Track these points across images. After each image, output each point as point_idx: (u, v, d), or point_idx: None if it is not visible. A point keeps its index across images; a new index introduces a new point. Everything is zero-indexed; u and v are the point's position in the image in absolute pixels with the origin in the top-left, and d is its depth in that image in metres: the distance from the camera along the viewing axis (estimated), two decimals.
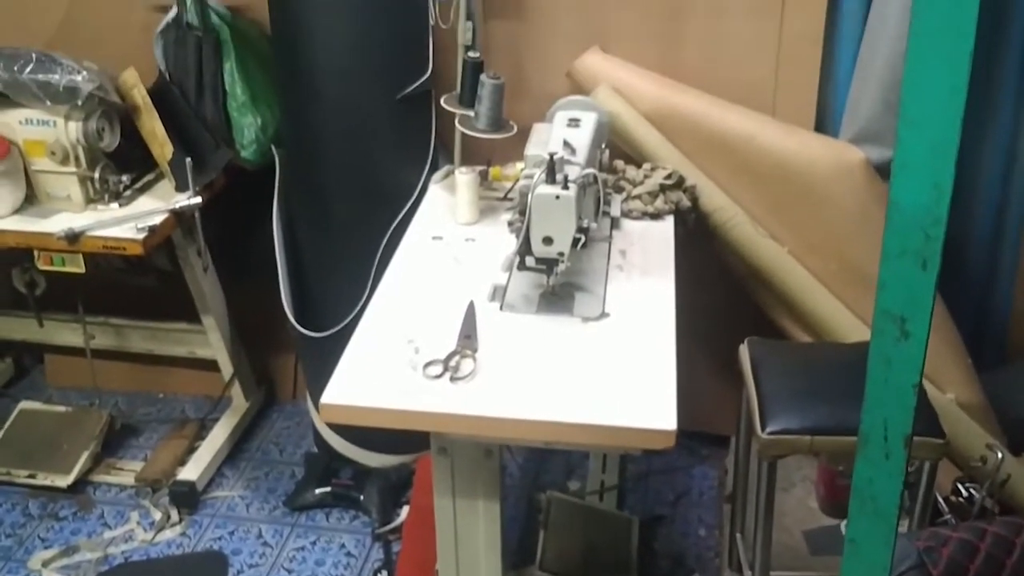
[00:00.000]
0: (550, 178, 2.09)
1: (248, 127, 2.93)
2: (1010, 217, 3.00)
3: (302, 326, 3.00)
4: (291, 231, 3.03)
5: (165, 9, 2.99)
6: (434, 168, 2.89)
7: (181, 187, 2.81)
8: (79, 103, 2.68)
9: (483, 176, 2.75)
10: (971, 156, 2.94)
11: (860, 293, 2.76)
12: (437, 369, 1.98)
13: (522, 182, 2.16)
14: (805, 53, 2.84)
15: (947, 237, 3.09)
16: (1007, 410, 2.86)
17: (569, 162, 2.20)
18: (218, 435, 3.39)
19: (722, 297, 2.98)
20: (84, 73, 2.66)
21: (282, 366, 3.67)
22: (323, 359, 2.41)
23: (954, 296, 2.90)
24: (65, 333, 3.55)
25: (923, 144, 1.00)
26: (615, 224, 2.59)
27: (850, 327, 2.76)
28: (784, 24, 2.81)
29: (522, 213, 2.13)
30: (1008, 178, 2.95)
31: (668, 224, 2.61)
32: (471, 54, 2.66)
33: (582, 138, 2.35)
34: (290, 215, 3.02)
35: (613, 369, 1.98)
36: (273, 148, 2.99)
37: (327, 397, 1.91)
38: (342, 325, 2.84)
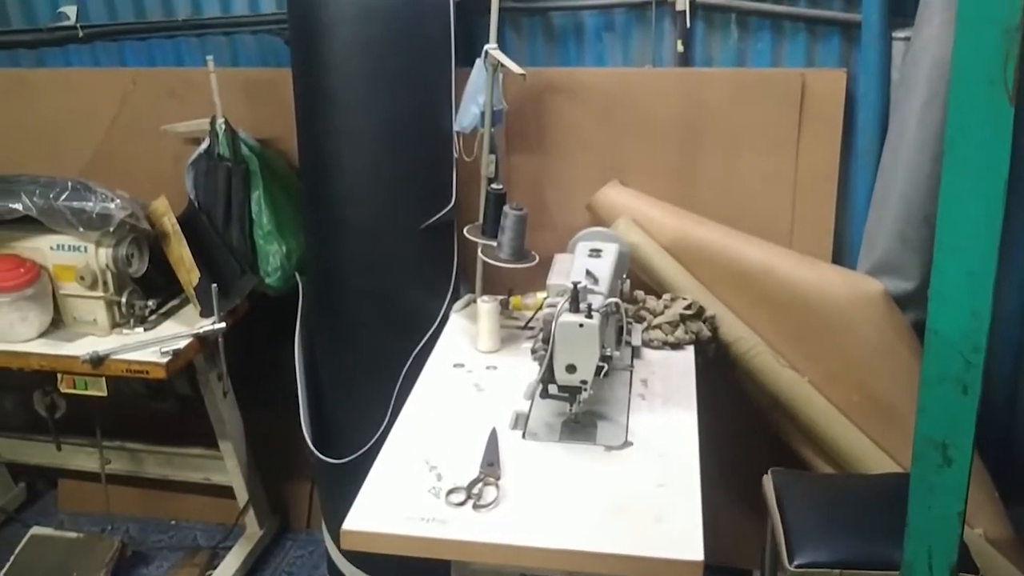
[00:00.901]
0: (574, 307, 2.11)
1: (273, 254, 2.99)
2: None
3: (321, 453, 2.99)
4: (312, 358, 3.05)
5: (198, 141, 3.09)
6: (456, 296, 2.92)
7: (206, 312, 2.85)
8: (111, 230, 2.74)
9: (504, 305, 2.78)
10: (993, 287, 2.96)
11: (883, 424, 2.74)
12: (460, 496, 1.96)
13: (545, 311, 2.19)
14: (821, 187, 2.90)
15: None
16: None
17: (592, 291, 2.23)
18: (230, 564, 3.33)
19: (743, 427, 2.96)
20: (117, 201, 2.73)
21: (297, 494, 3.63)
22: (340, 487, 2.40)
23: (979, 429, 2.87)
24: (80, 457, 3.53)
25: (960, 272, 1.02)
26: (636, 353, 2.60)
27: (874, 458, 2.73)
28: (800, 159, 2.88)
29: (545, 341, 2.15)
30: None
31: (688, 354, 2.62)
32: (494, 186, 2.73)
33: (604, 268, 2.39)
34: (311, 342, 3.04)
35: (637, 499, 1.96)
36: (297, 275, 3.04)
37: (349, 523, 1.89)
38: (360, 452, 2.83)
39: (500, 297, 2.78)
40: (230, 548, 3.42)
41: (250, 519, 3.44)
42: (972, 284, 1.03)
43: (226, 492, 3.44)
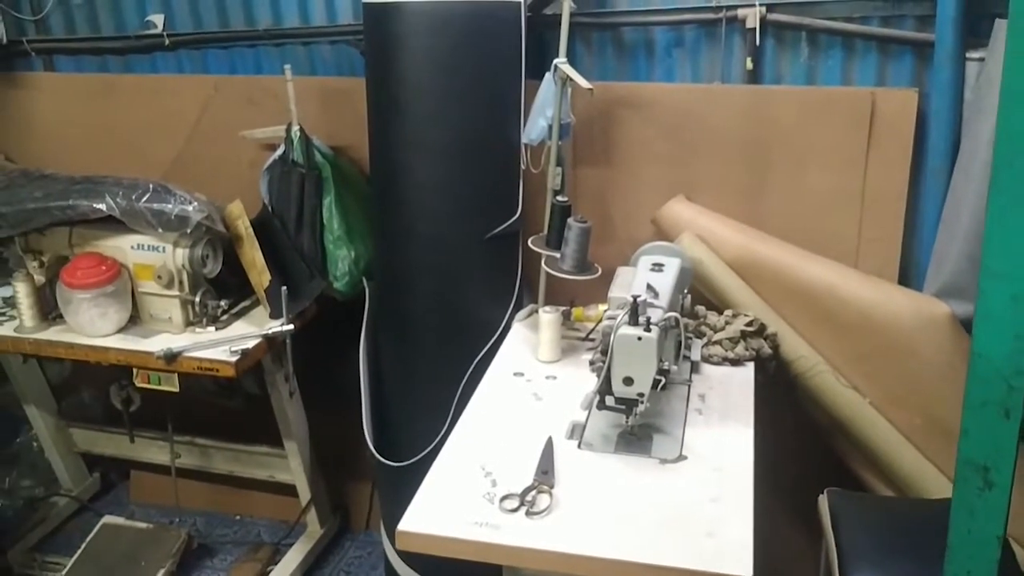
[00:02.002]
0: (633, 320, 2.13)
1: (342, 260, 3.06)
2: None
3: (383, 455, 3.05)
4: (376, 362, 3.11)
5: (273, 147, 3.19)
6: (519, 306, 2.96)
7: (275, 314, 2.93)
8: (188, 231, 2.83)
9: (566, 316, 2.81)
10: None
11: (945, 449, 2.71)
12: (513, 503, 2.00)
13: (605, 323, 2.21)
14: (889, 207, 2.87)
15: None
16: None
17: (652, 305, 2.24)
18: (291, 560, 3.42)
19: (802, 446, 2.95)
20: (195, 204, 2.83)
21: (358, 495, 3.70)
22: (400, 489, 2.45)
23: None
24: (152, 451, 3.65)
25: (1004, 295, 1.03)
26: (695, 368, 2.61)
27: (935, 483, 2.70)
28: (868, 178, 2.86)
29: (604, 353, 2.17)
30: None
31: (748, 370, 2.62)
32: (559, 198, 2.76)
33: (665, 282, 2.41)
34: (376, 346, 3.11)
35: (689, 512, 1.97)
36: (364, 280, 3.10)
37: (404, 524, 1.94)
38: (421, 456, 2.88)
39: (562, 308, 2.81)
40: (292, 545, 3.51)
41: (311, 518, 3.52)
42: (1017, 308, 1.03)
43: (289, 490, 3.52)
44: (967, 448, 1.10)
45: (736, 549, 1.84)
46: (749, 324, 2.70)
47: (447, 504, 2.01)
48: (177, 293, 2.89)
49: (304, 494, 3.46)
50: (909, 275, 2.94)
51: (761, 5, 2.82)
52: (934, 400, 2.72)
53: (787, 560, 3.09)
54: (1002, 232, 1.04)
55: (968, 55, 2.67)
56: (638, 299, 2.16)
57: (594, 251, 2.83)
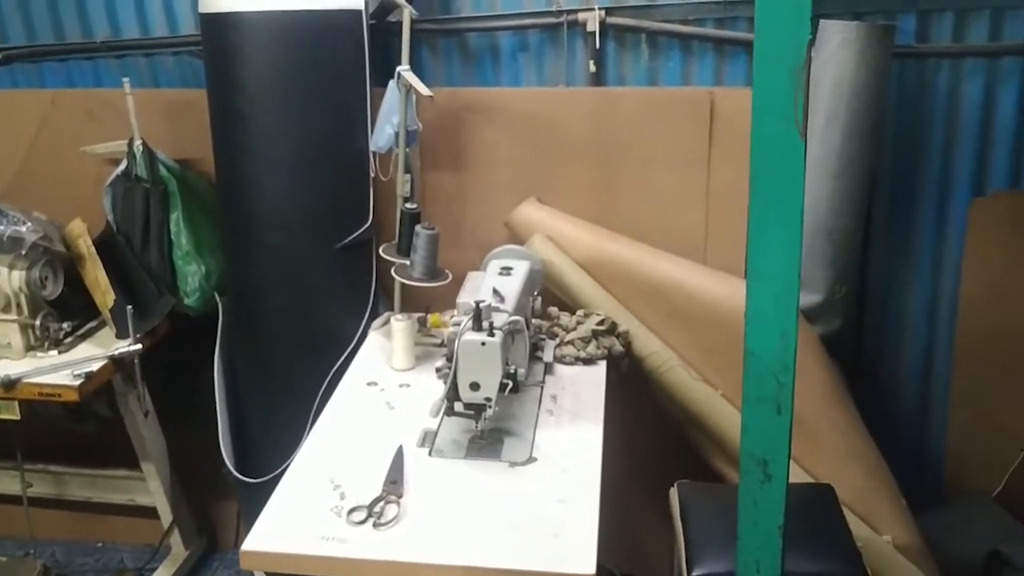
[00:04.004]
0: (476, 325, 2.15)
1: (192, 275, 2.99)
2: (939, 357, 3.09)
3: (243, 471, 2.99)
4: (232, 377, 3.05)
5: (116, 162, 3.09)
6: (375, 315, 2.95)
7: (121, 334, 2.84)
8: (23, 252, 2.73)
9: (421, 323, 2.81)
10: (898, 299, 3.05)
11: (794, 437, 2.79)
12: (361, 515, 1.99)
13: (450, 329, 2.22)
14: (733, 203, 2.95)
15: (880, 379, 3.17)
16: (946, 551, 2.87)
17: (497, 309, 2.26)
18: None
19: (660, 440, 3.01)
20: (29, 224, 2.73)
21: (224, 513, 3.62)
22: (261, 505, 2.39)
23: (889, 437, 2.96)
24: (3, 481, 3.50)
25: (769, 296, 1.07)
26: (548, 369, 2.64)
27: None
28: (711, 176, 2.94)
29: (449, 359, 2.18)
30: (933, 319, 3.05)
31: (600, 369, 2.66)
32: (408, 205, 2.76)
33: (512, 286, 2.43)
34: (232, 361, 3.05)
35: (537, 514, 1.99)
36: (216, 296, 3.04)
37: (248, 544, 1.91)
38: (279, 471, 2.83)
39: (417, 315, 2.81)
40: (156, 569, 3.40)
41: (175, 540, 3.43)
42: (779, 307, 1.07)
43: (151, 513, 3.42)
44: (747, 442, 1.14)
45: (580, 548, 1.87)
46: (600, 323, 2.74)
47: (294, 520, 1.98)
48: (15, 317, 2.78)
49: (166, 516, 3.36)
50: None
51: (600, 9, 2.87)
52: None
53: (654, 554, 3.15)
54: (762, 235, 1.09)
55: None
56: (481, 304, 2.17)
57: (448, 256, 2.84)
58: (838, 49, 2.63)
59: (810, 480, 2.72)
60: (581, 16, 2.89)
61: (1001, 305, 2.95)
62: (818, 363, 2.80)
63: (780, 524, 1.15)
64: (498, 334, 2.15)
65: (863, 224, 2.86)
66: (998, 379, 3.02)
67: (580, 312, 2.81)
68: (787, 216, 1.06)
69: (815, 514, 2.38)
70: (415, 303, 2.94)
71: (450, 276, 2.71)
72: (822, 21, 2.68)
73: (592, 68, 2.93)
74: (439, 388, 2.48)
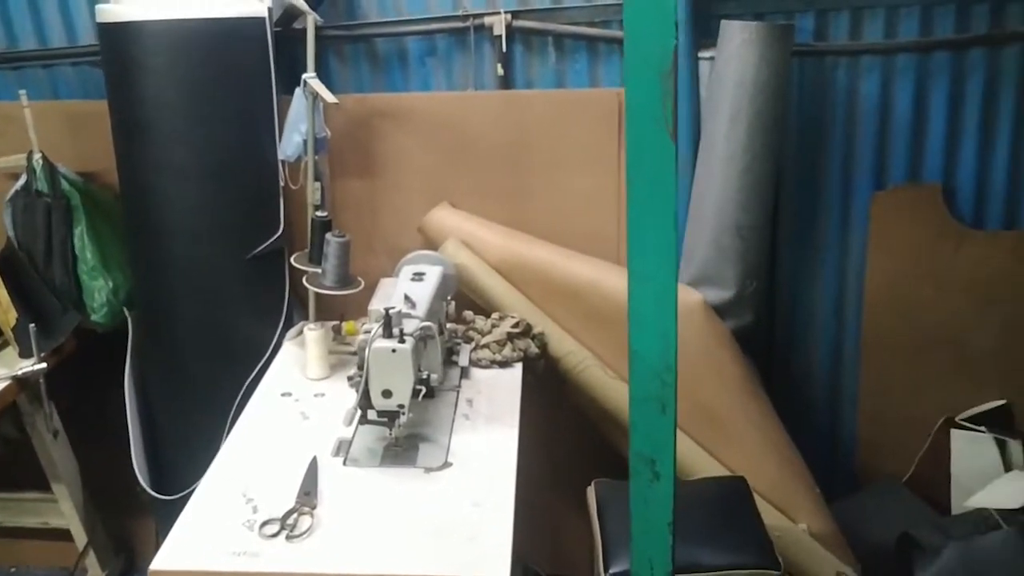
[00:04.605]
0: (387, 332, 2.14)
1: (99, 291, 2.93)
2: (848, 348, 3.16)
3: (159, 488, 2.94)
4: (144, 393, 3.00)
5: (16, 177, 3.01)
6: (289, 325, 2.92)
7: (25, 353, 2.77)
8: None
9: (336, 331, 2.79)
10: (807, 292, 3.12)
11: (710, 429, 2.84)
12: (274, 528, 1.96)
13: (361, 337, 2.21)
14: None
15: (792, 371, 3.22)
16: (861, 536, 2.94)
17: (409, 315, 2.25)
18: None
19: (578, 439, 3.03)
20: None
21: (142, 531, 3.54)
22: None
23: (803, 428, 3.02)
24: None
25: (649, 296, 1.08)
26: (464, 373, 2.64)
27: (701, 463, 2.82)
28: (622, 175, 2.96)
29: (361, 368, 2.17)
30: (841, 311, 3.12)
31: (516, 371, 2.67)
32: (319, 213, 2.74)
33: (424, 291, 2.42)
34: (143, 377, 2.99)
35: (452, 519, 1.99)
36: (125, 311, 2.98)
37: (157, 563, 1.87)
38: (195, 486, 2.78)
39: (332, 323, 2.79)
40: None
41: (92, 562, 3.34)
42: (659, 308, 1.09)
43: (66, 535, 3.33)
44: (636, 442, 1.16)
45: (495, 552, 1.87)
46: (515, 326, 2.75)
47: (205, 537, 1.95)
48: None
49: (80, 538, 3.28)
50: None
51: (506, 12, 2.88)
52: (696, 384, 2.84)
53: (576, 552, 3.16)
54: (639, 238, 1.10)
55: (700, 55, 2.82)
56: (391, 311, 2.16)
57: (362, 263, 2.83)
58: (740, 49, 2.67)
59: (726, 473, 2.76)
60: (487, 20, 2.89)
61: (904, 295, 3.03)
62: (731, 358, 2.84)
63: (670, 521, 1.17)
64: (409, 340, 2.14)
65: (771, 220, 2.91)
66: (904, 368, 3.10)
67: (495, 315, 2.81)
68: (662, 218, 1.07)
69: (728, 507, 2.42)
70: (330, 311, 2.92)
71: (362, 283, 2.69)
72: (723, 21, 2.72)
73: (500, 71, 2.94)
74: (354, 396, 2.47)
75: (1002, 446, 2.97)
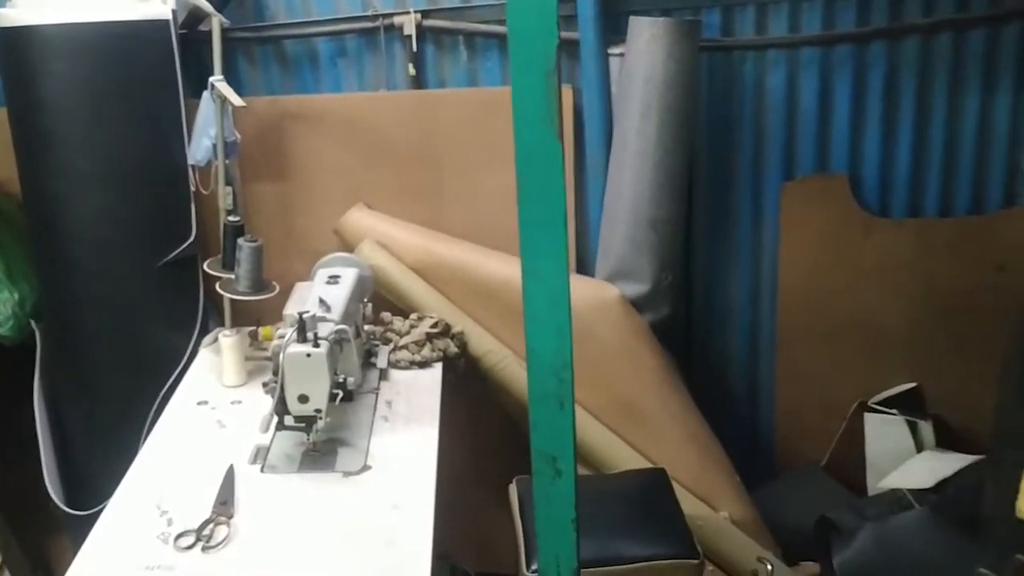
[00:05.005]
0: (301, 337, 2.12)
1: (4, 303, 2.85)
2: (763, 339, 3.21)
3: (74, 503, 2.87)
4: (56, 406, 2.92)
5: None
6: (204, 332, 2.87)
7: None
8: None
9: (253, 337, 2.75)
10: (722, 284, 3.16)
11: (631, 423, 2.86)
12: (189, 539, 1.93)
13: (275, 342, 2.18)
14: None
15: (710, 363, 3.27)
16: (781, 521, 2.99)
17: (323, 319, 2.23)
18: None
19: (501, 436, 3.03)
20: None
21: (59, 548, 3.45)
22: None
23: (722, 417, 3.06)
24: None
25: (543, 295, 1.09)
26: (383, 375, 2.63)
27: (624, 457, 2.85)
28: None
29: (275, 373, 2.14)
30: (756, 301, 3.18)
31: (436, 372, 2.67)
32: (231, 218, 2.70)
33: (339, 294, 2.41)
34: (54, 390, 2.92)
35: (371, 523, 1.98)
36: (32, 323, 2.90)
37: None
38: (108, 502, 2.72)
39: (248, 329, 2.76)
40: None
41: None
42: (553, 305, 1.10)
43: None
44: (537, 440, 1.17)
45: (415, 554, 1.87)
46: (434, 326, 2.75)
47: (117, 552, 1.92)
48: None
49: None
50: (585, 263, 3.09)
51: (416, 12, 2.87)
52: (615, 378, 2.87)
53: (502, 550, 3.16)
54: (531, 236, 1.11)
55: (610, 51, 2.84)
56: (305, 315, 2.14)
57: (279, 267, 2.81)
58: (648, 45, 2.70)
59: (648, 465, 2.79)
60: (397, 19, 2.88)
61: (816, 283, 3.09)
62: (649, 350, 2.87)
63: (573, 518, 1.17)
64: (324, 344, 2.13)
65: (684, 213, 2.95)
66: (818, 354, 3.16)
67: (413, 316, 2.81)
68: (552, 216, 1.08)
69: (649, 498, 2.44)
70: (247, 317, 2.87)
71: (277, 288, 2.66)
72: (632, 18, 2.75)
73: (412, 71, 2.93)
74: (270, 403, 2.44)
75: (913, 427, 3.05)
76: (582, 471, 2.93)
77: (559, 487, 1.16)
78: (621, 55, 2.82)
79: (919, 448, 3.03)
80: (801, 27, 2.88)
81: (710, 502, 2.85)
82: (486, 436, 3.03)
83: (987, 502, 2.54)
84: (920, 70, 2.88)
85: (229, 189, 2.78)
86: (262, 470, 2.20)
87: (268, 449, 2.27)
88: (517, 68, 1.12)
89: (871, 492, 3.02)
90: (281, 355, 2.10)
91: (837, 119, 2.95)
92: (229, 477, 2.14)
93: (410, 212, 3.01)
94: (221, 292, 2.66)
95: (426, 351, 2.69)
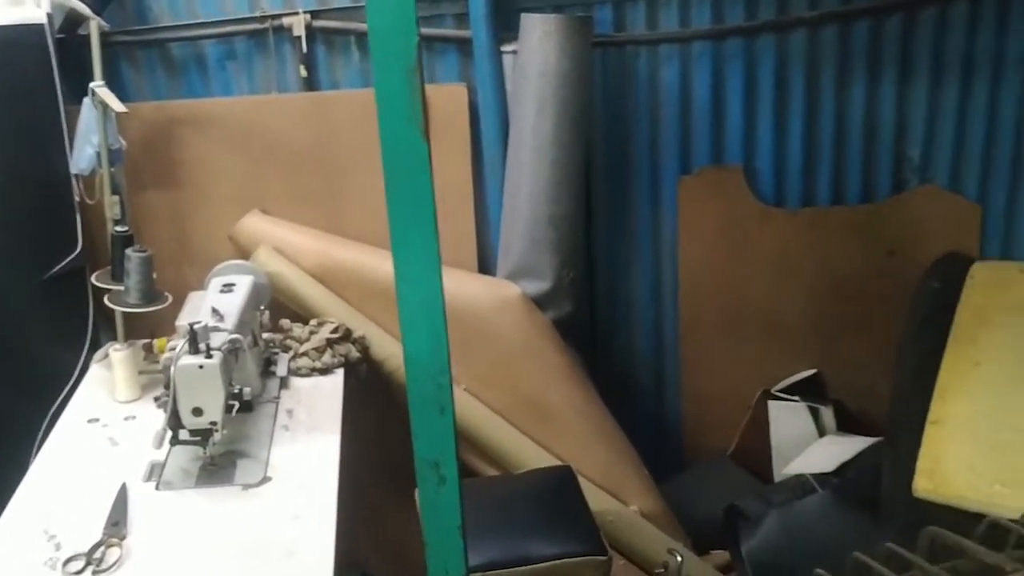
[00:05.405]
0: (193, 348, 2.05)
1: None
2: (666, 332, 3.24)
3: None
4: None
5: None
6: (96, 346, 2.77)
7: None
8: None
9: (148, 350, 2.67)
10: (624, 278, 3.18)
11: (537, 420, 2.86)
12: (79, 564, 1.86)
13: (166, 354, 2.11)
14: (458, 199, 2.98)
15: (615, 357, 3.28)
16: (690, 512, 3.02)
17: (217, 329, 2.17)
18: None
19: (409, 440, 2.99)
20: None
21: None
22: None
23: (629, 412, 3.08)
24: None
25: (417, 298, 1.07)
26: (284, 383, 2.57)
27: (532, 456, 2.84)
28: (435, 172, 2.94)
29: (168, 387, 2.07)
30: (658, 294, 3.20)
31: (338, 378, 2.62)
32: (119, 228, 2.61)
33: (234, 303, 2.34)
34: None
35: (272, 535, 1.93)
36: None
37: None
38: None
39: (142, 342, 2.67)
40: None
41: None
42: (427, 308, 1.09)
43: None
44: (419, 447, 1.15)
45: (316, 564, 1.83)
46: (335, 331, 2.70)
47: None
48: None
49: None
50: (487, 262, 3.07)
51: (305, 12, 2.82)
52: (519, 376, 2.86)
53: (415, 554, 3.13)
54: (402, 239, 1.10)
55: (503, 48, 2.83)
56: (196, 326, 2.08)
57: (173, 277, 2.74)
58: (540, 41, 2.69)
59: (556, 463, 2.78)
60: (286, 20, 2.82)
61: (715, 274, 3.13)
62: (553, 348, 2.87)
63: (459, 525, 1.15)
64: (217, 355, 2.06)
65: (583, 209, 2.95)
66: (721, 345, 3.21)
67: (313, 322, 2.75)
68: (421, 217, 1.07)
69: (556, 496, 2.44)
70: (141, 330, 2.78)
71: (170, 298, 2.58)
72: (523, 15, 2.74)
73: (303, 73, 2.87)
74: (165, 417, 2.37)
75: (815, 413, 3.11)
76: (490, 472, 2.92)
77: (443, 494, 1.13)
78: (514, 52, 2.81)
79: (821, 433, 3.09)
80: (692, 21, 2.91)
81: (619, 496, 2.85)
82: (394, 441, 2.98)
83: (885, 482, 2.61)
84: (808, 62, 2.94)
85: (116, 198, 2.69)
86: (157, 487, 2.12)
87: (163, 465, 2.19)
88: (379, 67, 1.10)
89: (777, 479, 3.07)
90: (172, 368, 2.04)
91: (730, 112, 2.99)
92: (121, 496, 2.07)
93: (307, 216, 2.96)
94: (109, 304, 2.57)
95: (327, 357, 2.64)
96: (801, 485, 2.83)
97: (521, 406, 2.87)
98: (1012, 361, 2.63)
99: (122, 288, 2.57)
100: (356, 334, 2.75)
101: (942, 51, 2.91)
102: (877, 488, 2.63)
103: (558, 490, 2.46)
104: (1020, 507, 2.11)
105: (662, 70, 2.95)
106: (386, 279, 2.80)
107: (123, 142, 2.69)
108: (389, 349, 2.83)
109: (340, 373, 2.64)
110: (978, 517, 2.05)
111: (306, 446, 2.27)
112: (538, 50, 2.71)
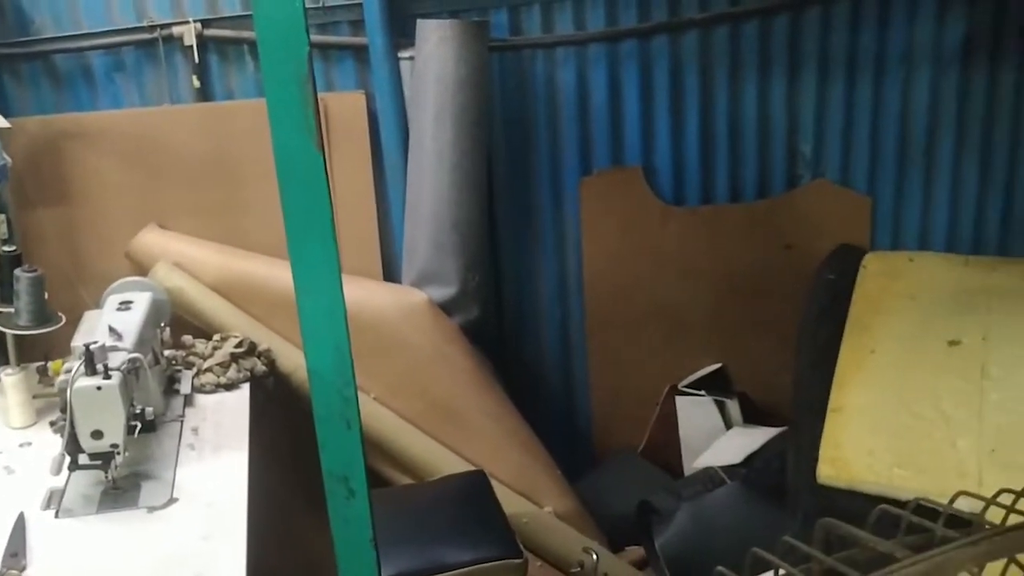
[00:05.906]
0: (89, 369, 1.99)
1: None
2: (573, 332, 3.27)
3: None
4: None
5: None
6: None
7: None
8: None
9: (43, 373, 2.57)
10: (530, 280, 3.20)
11: (449, 426, 2.85)
12: None
13: (62, 377, 2.04)
14: (360, 206, 2.96)
15: (524, 359, 3.29)
16: (603, 510, 3.05)
17: (115, 348, 2.11)
18: None
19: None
20: None
21: None
22: None
23: (540, 413, 3.09)
24: None
25: (318, 310, 1.06)
26: (188, 401, 2.51)
27: (445, 461, 2.83)
28: (335, 182, 2.91)
29: (64, 410, 2.00)
30: (564, 295, 3.23)
31: (244, 393, 2.57)
32: (6, 248, 2.52)
33: (132, 321, 2.29)
34: None
35: (180, 557, 1.87)
36: None
37: None
38: None
39: (36, 364, 2.58)
40: None
41: None
42: (330, 322, 1.08)
43: None
44: (327, 461, 1.13)
45: None
46: (239, 345, 2.65)
47: None
48: None
49: None
50: (392, 269, 3.05)
51: (196, 21, 2.76)
52: (429, 383, 2.85)
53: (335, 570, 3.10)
54: (300, 251, 1.08)
55: (400, 55, 2.82)
56: (93, 346, 2.01)
57: (66, 297, 2.65)
58: (437, 47, 2.69)
59: (469, 468, 2.78)
60: (176, 30, 2.77)
61: (619, 273, 3.17)
62: (461, 353, 2.87)
63: (370, 537, 1.14)
64: (115, 375, 2.00)
65: (486, 213, 2.96)
66: (627, 342, 3.25)
67: (216, 337, 2.69)
68: (319, 228, 1.05)
69: (469, 501, 2.44)
70: (35, 352, 2.68)
71: (64, 319, 2.50)
72: (419, 21, 2.74)
73: (196, 83, 2.81)
74: (61, 442, 2.29)
75: (721, 406, 3.17)
76: (403, 480, 2.90)
77: (354, 508, 1.12)
78: (412, 59, 2.80)
79: (728, 426, 3.15)
80: (587, 24, 2.94)
81: (533, 498, 2.86)
82: (307, 455, 2.94)
83: (791, 471, 2.67)
84: (701, 62, 3.00)
85: (2, 216, 2.60)
86: (57, 515, 2.05)
87: (63, 492, 2.12)
88: (269, 78, 1.09)
89: (687, 472, 3.11)
90: (69, 390, 1.97)
91: (628, 113, 3.03)
92: (19, 526, 1.99)
93: (207, 229, 2.90)
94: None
95: (232, 372, 2.59)
96: (711, 478, 2.88)
97: (432, 413, 2.86)
98: (906, 348, 2.72)
99: (12, 310, 2.48)
100: (261, 347, 2.70)
101: (827, 49, 3.00)
102: (784, 476, 2.70)
103: (472, 495, 2.46)
104: (919, 488, 2.18)
105: (559, 73, 2.98)
106: (289, 290, 2.73)
107: (7, 158, 2.60)
108: (296, 361, 2.78)
109: (246, 388, 2.59)
110: (881, 501, 2.11)
111: (213, 464, 2.22)
112: (435, 56, 2.70)
